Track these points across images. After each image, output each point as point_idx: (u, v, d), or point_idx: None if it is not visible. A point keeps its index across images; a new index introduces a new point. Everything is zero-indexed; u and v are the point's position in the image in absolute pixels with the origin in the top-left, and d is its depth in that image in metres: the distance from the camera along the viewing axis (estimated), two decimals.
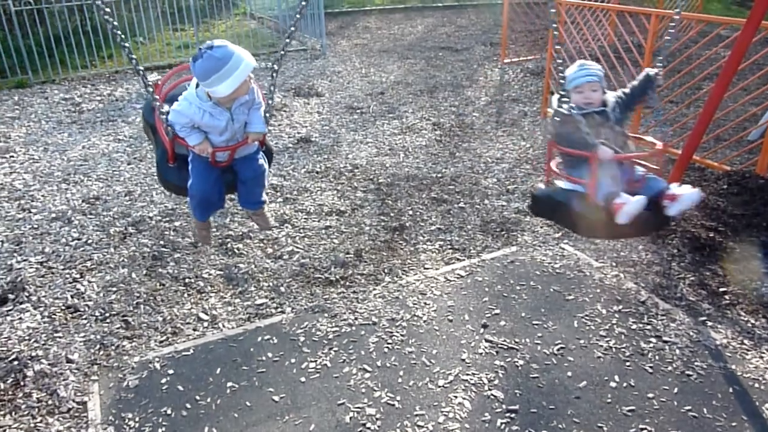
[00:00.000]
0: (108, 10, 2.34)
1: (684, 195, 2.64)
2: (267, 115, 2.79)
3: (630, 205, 2.49)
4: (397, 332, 3.31)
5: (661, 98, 6.67)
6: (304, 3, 2.76)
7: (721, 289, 3.67)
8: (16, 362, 3.09)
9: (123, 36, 2.42)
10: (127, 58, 2.52)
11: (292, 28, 2.78)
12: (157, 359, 3.12)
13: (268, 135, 2.97)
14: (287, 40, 2.78)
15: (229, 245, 4.20)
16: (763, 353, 3.13)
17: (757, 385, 2.91)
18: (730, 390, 2.88)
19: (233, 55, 2.44)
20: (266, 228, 3.21)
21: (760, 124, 5.47)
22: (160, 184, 2.98)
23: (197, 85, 2.58)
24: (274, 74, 2.84)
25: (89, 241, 4.27)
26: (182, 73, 2.93)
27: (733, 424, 2.68)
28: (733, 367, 3.03)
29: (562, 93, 2.74)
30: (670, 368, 3.02)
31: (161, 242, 4.25)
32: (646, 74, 2.94)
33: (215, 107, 2.58)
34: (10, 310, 3.51)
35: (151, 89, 2.58)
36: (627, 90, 2.97)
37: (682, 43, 6.88)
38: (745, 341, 3.22)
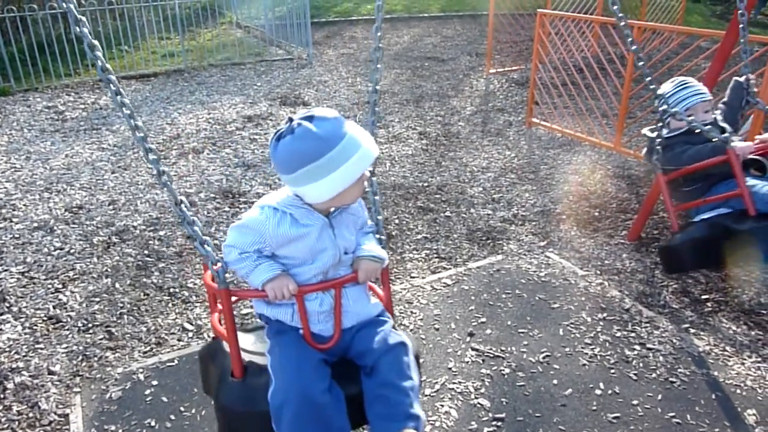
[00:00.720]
0: (84, 26, 1.49)
1: None
2: (382, 238, 1.86)
3: None
4: None
5: (643, 108, 6.79)
6: (378, 37, 1.95)
7: (704, 297, 3.72)
8: None
9: (104, 63, 1.52)
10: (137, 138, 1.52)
11: (375, 97, 1.90)
12: (140, 370, 3.08)
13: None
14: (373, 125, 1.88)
15: None
16: (745, 360, 3.17)
17: (738, 391, 2.95)
18: (713, 396, 2.91)
19: (345, 135, 1.54)
20: None
21: (740, 134, 5.56)
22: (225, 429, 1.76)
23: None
24: (372, 179, 1.83)
25: (72, 251, 4.22)
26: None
27: (716, 430, 2.71)
28: (716, 373, 3.07)
29: (663, 111, 2.55)
30: (654, 375, 3.05)
31: (145, 252, 4.21)
32: (735, 81, 2.81)
33: (301, 206, 1.64)
34: None
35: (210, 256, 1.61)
36: (723, 106, 2.88)
37: (663, 55, 7.00)
38: (727, 348, 3.26)
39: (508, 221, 4.72)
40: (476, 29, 12.81)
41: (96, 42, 1.48)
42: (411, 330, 3.40)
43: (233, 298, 1.69)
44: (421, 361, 1.81)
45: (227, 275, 1.68)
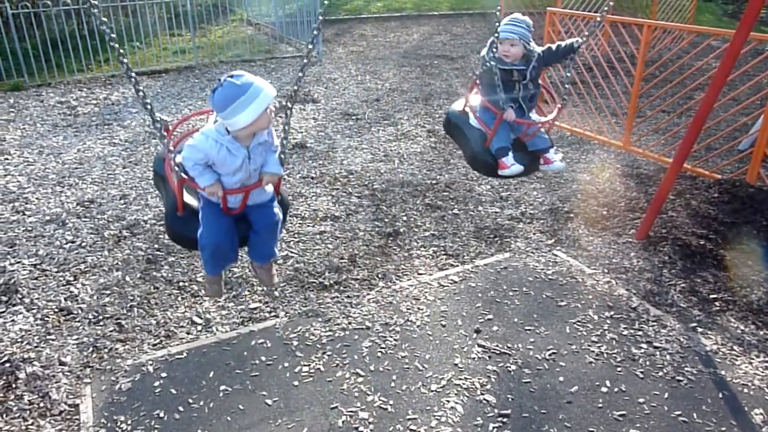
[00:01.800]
0: (105, 20, 2.12)
1: (553, 164, 3.24)
2: (282, 157, 2.65)
3: (510, 170, 3.08)
4: (391, 337, 3.32)
5: (653, 107, 6.76)
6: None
7: (712, 296, 3.70)
8: (8, 364, 3.08)
9: (120, 49, 2.21)
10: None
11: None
12: (150, 362, 3.12)
13: (283, 182, 2.79)
14: (299, 81, 2.70)
15: None
16: (752, 359, 3.16)
17: (746, 390, 2.94)
18: (720, 395, 2.91)
19: (252, 84, 2.37)
20: (269, 285, 2.88)
21: (750, 134, 5.54)
22: (170, 238, 2.76)
23: (215, 121, 2.50)
24: (288, 112, 2.70)
25: (83, 244, 4.27)
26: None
27: (723, 429, 2.71)
28: (723, 372, 3.06)
29: (494, 41, 2.96)
30: (660, 374, 3.05)
31: (156, 246, 4.25)
32: (573, 42, 3.21)
33: (233, 142, 2.46)
34: (2, 312, 3.50)
35: (159, 126, 2.43)
36: (553, 47, 3.22)
37: (673, 54, 6.95)
38: (735, 347, 3.25)
39: (515, 219, 4.72)
40: (486, 27, 12.78)
41: (123, 51, 2.11)
42: (417, 326, 3.41)
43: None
44: (288, 210, 2.85)
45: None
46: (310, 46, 2.61)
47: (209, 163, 2.47)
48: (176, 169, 2.42)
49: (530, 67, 3.12)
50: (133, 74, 2.36)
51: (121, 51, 2.13)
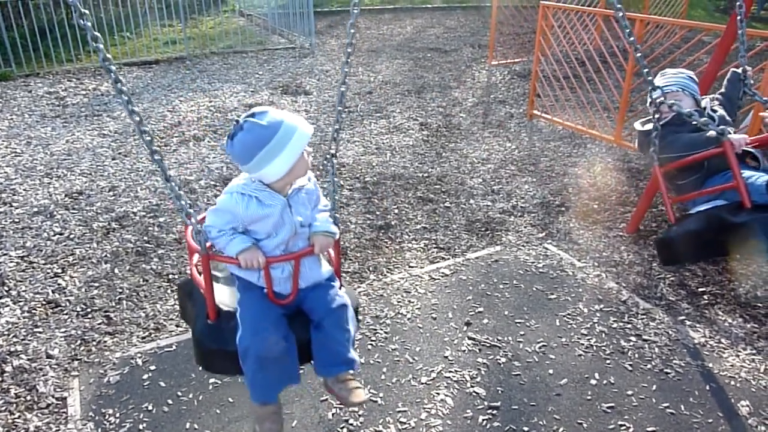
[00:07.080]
0: (86, 12, 1.62)
1: None
2: (336, 215, 2.12)
3: None
4: (381, 329, 3.32)
5: (644, 102, 6.75)
6: None
7: (700, 290, 3.73)
8: None
9: (107, 55, 1.67)
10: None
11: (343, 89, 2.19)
12: (138, 355, 3.10)
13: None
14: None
15: None
16: (740, 352, 3.18)
17: (733, 383, 2.96)
18: (707, 388, 2.93)
19: (282, 122, 1.87)
20: (354, 404, 2.09)
21: (741, 128, 5.56)
22: (200, 364, 2.15)
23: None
24: (333, 161, 2.16)
25: (71, 236, 4.23)
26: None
27: (710, 420, 2.73)
28: (710, 365, 3.08)
29: (652, 102, 2.58)
30: (649, 366, 3.06)
31: (145, 238, 4.22)
32: (733, 73, 2.84)
33: (264, 189, 1.94)
34: None
35: (191, 212, 1.87)
36: (721, 97, 2.90)
37: (665, 48, 6.97)
38: (723, 340, 3.27)
39: (507, 212, 4.72)
40: (479, 21, 12.75)
41: (98, 34, 1.65)
42: (408, 319, 3.41)
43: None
44: (359, 311, 2.24)
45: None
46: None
47: (240, 230, 1.97)
48: (198, 237, 1.87)
49: (709, 108, 2.67)
50: (123, 85, 1.74)
51: (107, 56, 1.65)
